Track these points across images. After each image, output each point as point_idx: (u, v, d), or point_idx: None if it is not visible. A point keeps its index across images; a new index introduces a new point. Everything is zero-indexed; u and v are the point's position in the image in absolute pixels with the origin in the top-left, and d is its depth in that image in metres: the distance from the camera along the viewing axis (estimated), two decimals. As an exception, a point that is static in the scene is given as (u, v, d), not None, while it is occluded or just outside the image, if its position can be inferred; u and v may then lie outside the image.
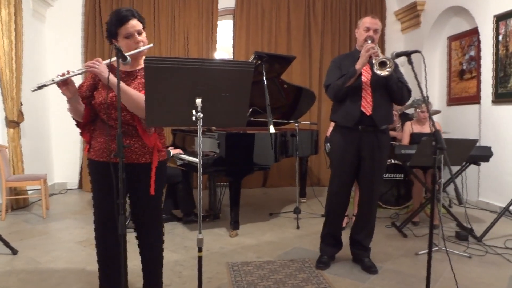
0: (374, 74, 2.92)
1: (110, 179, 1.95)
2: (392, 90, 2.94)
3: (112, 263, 2.19)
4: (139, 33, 2.06)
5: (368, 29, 2.96)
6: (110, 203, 2.07)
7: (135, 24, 2.05)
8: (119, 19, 2.02)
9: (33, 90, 1.92)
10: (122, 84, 1.95)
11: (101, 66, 1.94)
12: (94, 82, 2.13)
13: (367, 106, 2.92)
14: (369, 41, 2.92)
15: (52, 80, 1.89)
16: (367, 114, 2.92)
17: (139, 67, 2.14)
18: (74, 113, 2.12)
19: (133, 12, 2.07)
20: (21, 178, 4.72)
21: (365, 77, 2.95)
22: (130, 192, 2.17)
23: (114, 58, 1.90)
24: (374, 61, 2.78)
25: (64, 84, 1.94)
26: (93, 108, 2.15)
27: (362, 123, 2.93)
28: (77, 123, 2.21)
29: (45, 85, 1.88)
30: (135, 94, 1.97)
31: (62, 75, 1.92)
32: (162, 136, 2.24)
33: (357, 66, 2.85)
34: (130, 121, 2.06)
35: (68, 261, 3.21)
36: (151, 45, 2.09)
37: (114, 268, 2.18)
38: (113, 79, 1.90)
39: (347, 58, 3.08)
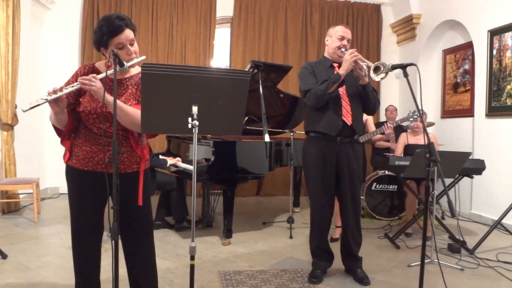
0: (349, 86, 2.97)
1: (92, 188, 1.94)
2: (368, 98, 2.98)
3: (89, 272, 2.13)
4: (131, 43, 1.98)
5: (342, 38, 3.00)
6: (88, 212, 2.03)
7: (128, 34, 1.95)
8: (113, 30, 1.92)
9: (25, 110, 1.86)
10: (118, 102, 1.87)
11: (97, 83, 1.85)
12: (79, 89, 1.97)
13: (347, 115, 2.95)
14: (343, 49, 2.96)
15: (45, 100, 1.81)
16: (349, 124, 2.94)
17: (127, 76, 2.07)
18: (57, 123, 2.02)
19: (126, 21, 1.96)
20: (13, 181, 4.69)
21: (341, 87, 2.96)
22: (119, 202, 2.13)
23: (109, 72, 1.84)
24: (364, 67, 2.80)
25: (55, 100, 1.85)
26: (75, 115, 2.05)
27: (342, 133, 2.95)
28: (57, 130, 2.09)
29: (37, 105, 1.82)
30: (131, 111, 1.91)
31: (54, 91, 1.84)
32: (147, 144, 2.20)
33: (341, 71, 2.83)
34: (121, 131, 2.01)
35: (58, 267, 3.17)
36: (144, 57, 2.02)
37: (91, 277, 2.14)
38: (108, 98, 1.84)
39: (318, 65, 3.08)
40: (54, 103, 1.87)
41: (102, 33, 1.94)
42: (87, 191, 2.01)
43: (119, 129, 1.99)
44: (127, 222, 2.08)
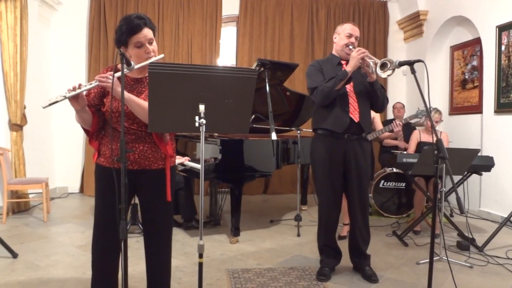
0: (356, 83, 2.96)
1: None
2: (377, 96, 2.97)
3: (107, 268, 2.17)
4: (150, 42, 2.01)
5: (350, 35, 3.00)
6: (112, 209, 2.04)
7: (146, 33, 1.98)
8: (131, 29, 1.95)
9: (44, 107, 1.88)
10: (133, 96, 1.92)
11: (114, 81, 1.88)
12: (102, 89, 2.05)
13: (354, 112, 2.94)
14: (350, 47, 2.95)
15: (64, 96, 1.85)
16: (356, 121, 2.93)
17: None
18: (82, 123, 2.08)
19: (145, 20, 1.99)
20: (22, 181, 4.73)
21: (349, 84, 2.96)
22: (142, 199, 2.15)
23: (128, 72, 1.89)
24: (371, 64, 2.79)
25: (75, 97, 1.90)
26: (101, 116, 2.11)
27: (349, 130, 2.94)
28: (86, 130, 2.16)
29: (56, 102, 1.85)
30: (146, 106, 1.93)
31: (74, 89, 1.87)
32: (173, 141, 2.22)
33: (348, 68, 2.83)
34: (144, 127, 2.03)
35: (68, 266, 3.21)
36: (162, 55, 2.02)
37: (108, 274, 2.17)
38: (125, 95, 1.87)
39: (325, 63, 3.07)
40: (74, 100, 1.91)
41: (122, 31, 1.98)
42: (113, 189, 2.03)
43: (142, 125, 2.02)
44: (150, 219, 2.14)
